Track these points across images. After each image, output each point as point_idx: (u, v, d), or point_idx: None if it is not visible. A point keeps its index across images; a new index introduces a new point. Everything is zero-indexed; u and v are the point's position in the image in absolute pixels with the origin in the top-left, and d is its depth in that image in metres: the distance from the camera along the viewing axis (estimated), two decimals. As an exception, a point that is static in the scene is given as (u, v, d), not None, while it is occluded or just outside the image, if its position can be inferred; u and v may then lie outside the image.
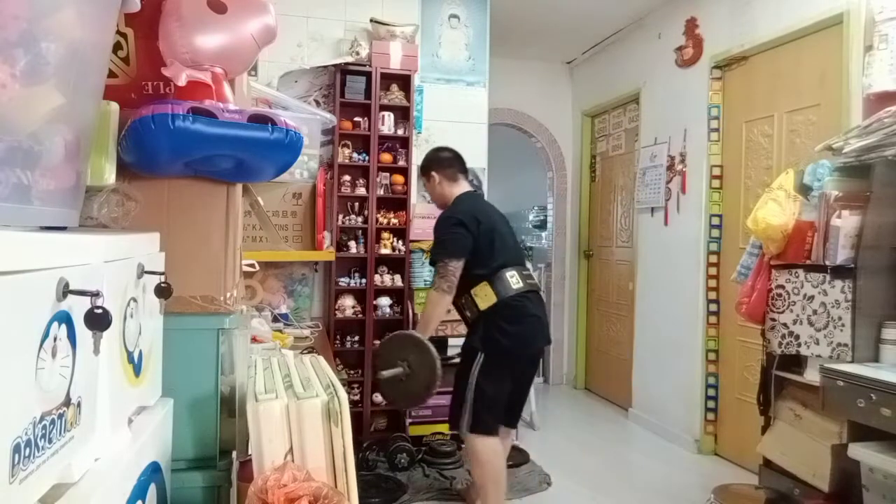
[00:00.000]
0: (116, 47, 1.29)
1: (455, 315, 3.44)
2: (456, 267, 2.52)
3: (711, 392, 3.68)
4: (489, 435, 2.51)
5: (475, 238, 2.55)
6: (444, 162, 2.79)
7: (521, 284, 2.56)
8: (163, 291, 1.13)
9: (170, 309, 1.22)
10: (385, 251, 3.58)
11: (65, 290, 0.72)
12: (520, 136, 5.57)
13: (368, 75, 3.53)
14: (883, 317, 2.06)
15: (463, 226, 2.55)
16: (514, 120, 5.37)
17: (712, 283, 3.68)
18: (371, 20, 3.59)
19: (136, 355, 1.03)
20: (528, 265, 2.83)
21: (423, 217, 3.66)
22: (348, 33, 3.64)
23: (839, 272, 2.09)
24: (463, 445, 3.46)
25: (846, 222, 2.08)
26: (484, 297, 2.53)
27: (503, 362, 2.52)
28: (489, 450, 2.50)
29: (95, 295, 0.75)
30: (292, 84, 3.57)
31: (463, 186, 2.78)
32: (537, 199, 6.62)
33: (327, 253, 3.41)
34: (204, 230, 1.35)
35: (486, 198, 3.95)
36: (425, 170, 2.84)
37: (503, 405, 2.57)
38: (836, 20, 2.84)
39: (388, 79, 3.58)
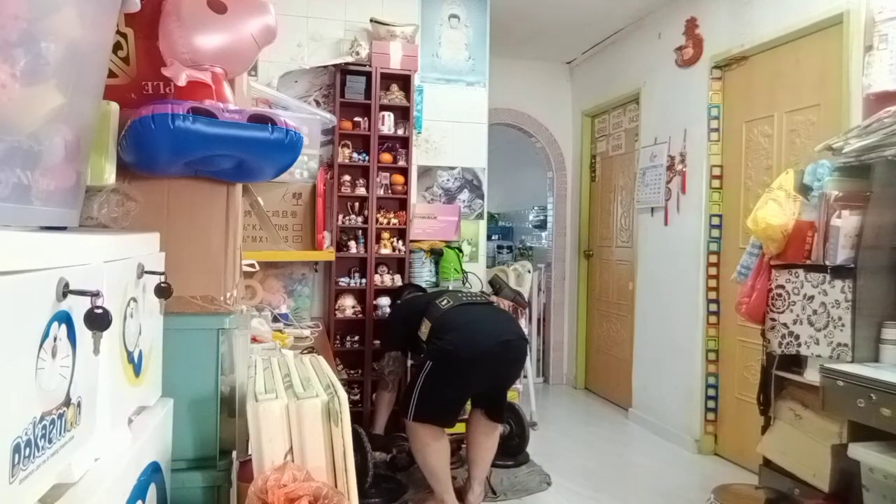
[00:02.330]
0: (116, 47, 1.29)
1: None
2: (397, 357, 3.17)
3: (711, 392, 3.68)
4: (427, 424, 2.70)
5: (408, 324, 2.96)
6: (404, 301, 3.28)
7: (450, 303, 2.85)
8: (163, 291, 1.13)
9: (170, 309, 1.22)
10: (385, 251, 3.58)
11: (65, 290, 0.72)
12: (520, 136, 5.57)
13: (368, 75, 3.53)
14: (883, 317, 2.05)
15: (399, 323, 3.10)
16: (514, 120, 5.37)
17: (712, 283, 3.68)
18: (371, 20, 3.59)
19: (136, 355, 1.03)
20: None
21: (423, 217, 3.66)
22: (348, 33, 3.64)
23: (839, 272, 2.09)
24: (463, 445, 3.47)
25: (846, 222, 2.08)
26: (425, 331, 2.83)
27: (449, 370, 2.69)
28: (422, 434, 2.70)
29: (95, 295, 0.75)
30: (292, 84, 3.57)
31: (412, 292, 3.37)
32: (537, 199, 6.62)
33: (327, 253, 3.41)
34: (204, 230, 1.35)
35: (485, 196, 3.97)
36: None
37: (449, 407, 2.75)
38: (836, 20, 2.84)
39: (388, 79, 3.58)
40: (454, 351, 2.68)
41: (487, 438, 2.88)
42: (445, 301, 2.86)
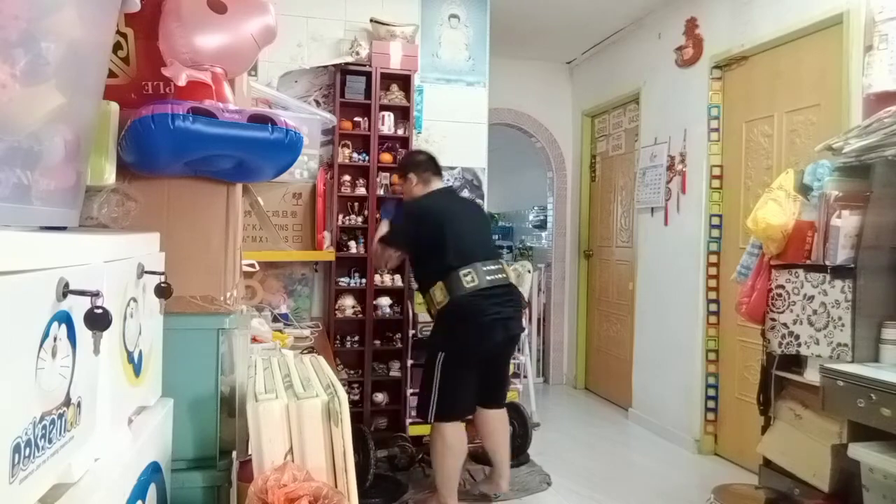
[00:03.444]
0: (116, 47, 1.29)
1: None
2: (392, 254, 2.87)
3: (711, 392, 3.68)
4: (452, 421, 2.68)
5: (423, 236, 2.74)
6: (421, 165, 2.96)
7: (476, 282, 2.63)
8: (163, 291, 1.13)
9: (170, 309, 1.22)
10: (385, 251, 3.58)
11: (65, 290, 0.72)
12: (520, 136, 5.57)
13: (368, 75, 3.52)
14: (883, 317, 2.05)
15: (416, 220, 2.82)
16: (514, 120, 5.36)
17: (712, 283, 3.68)
18: (371, 20, 3.59)
19: (136, 355, 1.03)
20: (501, 262, 2.91)
21: (423, 217, 3.65)
22: (348, 33, 3.64)
23: (839, 272, 2.09)
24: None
25: (846, 222, 2.08)
26: (439, 296, 2.68)
27: (463, 360, 2.67)
28: (450, 436, 2.66)
29: (95, 295, 0.75)
30: (292, 84, 3.57)
31: (437, 185, 2.96)
32: (537, 199, 6.62)
33: (327, 253, 3.41)
34: (204, 230, 1.35)
35: (485, 196, 3.97)
36: (402, 170, 3.03)
37: (469, 394, 2.73)
38: (836, 20, 2.84)
39: (388, 79, 3.58)
40: (469, 346, 2.67)
41: (501, 423, 2.92)
42: (470, 276, 2.63)
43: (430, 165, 2.96)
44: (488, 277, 2.68)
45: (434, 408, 2.65)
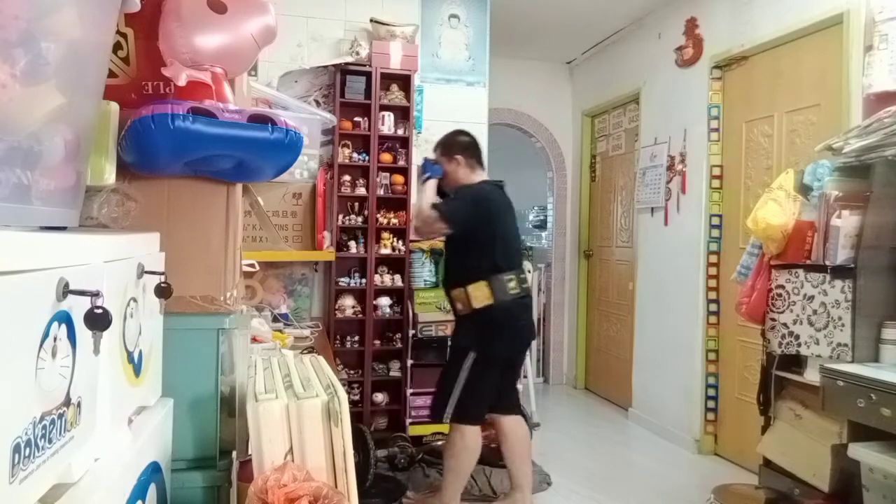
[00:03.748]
0: (116, 47, 1.29)
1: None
2: (441, 228, 2.62)
3: (711, 392, 3.68)
4: (472, 424, 2.62)
5: (478, 225, 2.58)
6: (469, 149, 2.79)
7: (518, 290, 2.61)
8: (163, 291, 1.13)
9: (170, 309, 1.22)
10: (385, 251, 3.58)
11: (65, 290, 0.72)
12: (520, 136, 5.57)
13: (368, 75, 3.53)
14: (883, 317, 2.05)
15: (475, 205, 2.62)
16: (514, 120, 5.36)
17: (712, 283, 3.68)
18: (371, 20, 3.59)
19: (136, 355, 1.03)
20: (527, 266, 2.92)
21: (423, 217, 3.65)
22: (348, 33, 3.64)
23: (839, 272, 2.09)
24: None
25: (846, 222, 2.08)
26: (479, 296, 2.56)
27: (493, 363, 2.62)
28: (470, 437, 2.60)
29: (95, 295, 0.75)
30: (292, 84, 3.57)
31: (481, 175, 2.81)
32: (537, 199, 6.62)
33: (327, 253, 3.41)
34: (204, 230, 1.35)
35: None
36: (450, 150, 2.78)
37: (491, 397, 2.68)
38: (836, 20, 2.84)
39: (388, 79, 3.58)
40: (502, 350, 2.64)
41: (524, 433, 2.79)
42: (513, 282, 2.60)
43: (476, 152, 2.82)
44: (524, 285, 2.69)
45: (453, 408, 2.57)
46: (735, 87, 3.60)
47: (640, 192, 4.36)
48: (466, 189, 2.70)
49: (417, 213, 2.60)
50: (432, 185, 2.73)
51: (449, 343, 2.90)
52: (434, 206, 2.61)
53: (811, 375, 2.16)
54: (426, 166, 2.79)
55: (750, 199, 3.32)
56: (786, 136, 3.24)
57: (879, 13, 2.55)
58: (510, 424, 2.75)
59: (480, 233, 2.58)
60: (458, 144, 2.79)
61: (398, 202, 3.65)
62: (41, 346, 0.68)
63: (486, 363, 2.58)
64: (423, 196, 2.70)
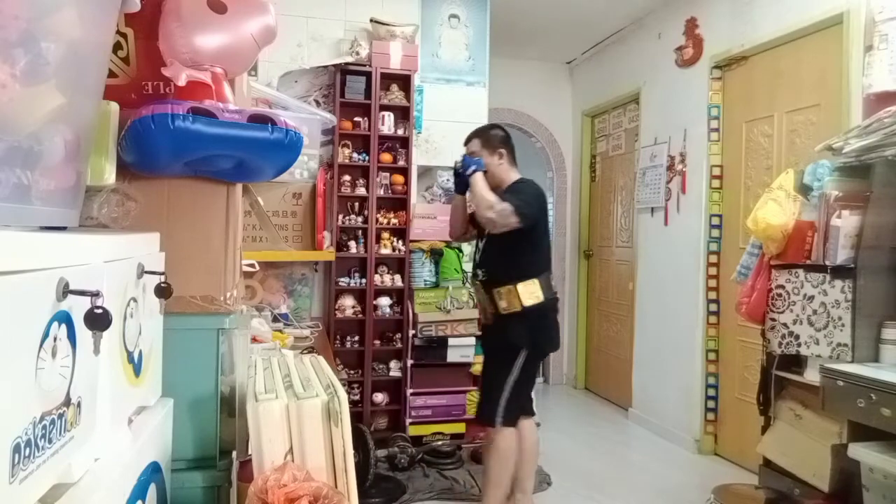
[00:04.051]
0: (116, 47, 1.29)
1: (456, 316, 3.47)
2: (514, 223, 2.45)
3: (711, 392, 3.68)
4: (514, 425, 2.58)
5: (536, 222, 2.54)
6: (509, 143, 2.72)
7: (555, 289, 2.67)
8: (163, 291, 1.13)
9: (170, 309, 1.22)
10: (385, 251, 3.58)
11: (65, 290, 0.72)
12: (520, 136, 5.56)
13: (368, 75, 3.53)
14: (883, 317, 2.05)
15: (537, 201, 2.58)
16: (514, 120, 5.36)
17: (712, 283, 3.68)
18: (371, 20, 3.59)
19: (136, 355, 1.03)
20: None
21: (423, 217, 3.66)
22: (348, 33, 3.64)
23: (839, 272, 2.09)
24: (464, 445, 3.47)
25: (846, 222, 2.08)
26: (530, 294, 2.50)
27: (537, 361, 2.63)
28: (512, 440, 2.56)
29: (95, 295, 0.75)
30: (292, 84, 3.57)
31: (517, 173, 2.72)
32: (537, 199, 6.61)
33: (327, 253, 3.41)
34: (204, 230, 1.35)
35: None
36: (493, 144, 2.66)
37: (529, 398, 2.70)
38: (836, 20, 2.84)
39: (388, 79, 3.58)
40: (548, 349, 2.68)
41: (535, 432, 2.76)
42: (553, 282, 2.64)
43: (513, 147, 2.73)
44: (554, 285, 2.70)
45: (504, 410, 2.49)
46: (735, 87, 3.60)
47: (640, 192, 4.36)
48: (525, 185, 2.62)
49: (490, 206, 2.44)
50: (482, 177, 2.57)
51: (486, 342, 2.78)
52: (506, 199, 2.48)
53: (811, 375, 2.16)
54: (468, 160, 2.62)
55: (750, 199, 3.32)
56: (786, 136, 3.24)
57: (879, 13, 2.55)
58: (529, 427, 2.71)
59: (536, 230, 2.55)
60: (498, 138, 2.69)
61: (398, 202, 3.65)
62: (41, 346, 0.68)
63: (534, 362, 2.58)
64: (480, 189, 2.51)
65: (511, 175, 2.67)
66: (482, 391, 2.67)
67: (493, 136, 2.68)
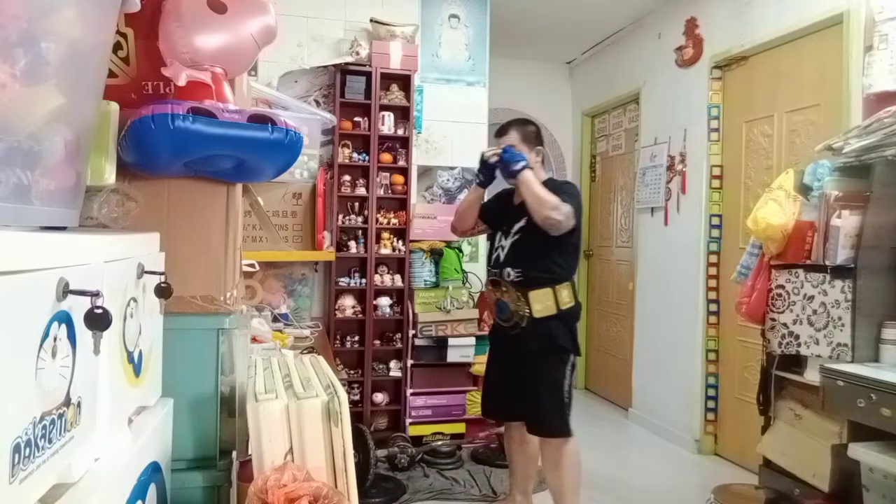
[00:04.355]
0: (116, 47, 1.29)
1: (456, 316, 3.47)
2: (570, 227, 2.37)
3: (711, 392, 3.68)
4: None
5: (578, 227, 2.47)
6: (542, 141, 2.62)
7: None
8: (163, 291, 1.13)
9: (170, 309, 1.22)
10: (385, 251, 3.58)
11: (65, 290, 0.72)
12: (520, 136, 5.57)
13: (368, 75, 3.53)
14: (883, 317, 2.05)
15: (580, 203, 2.47)
16: (514, 120, 5.36)
17: (712, 283, 3.68)
18: (371, 20, 3.59)
19: (136, 355, 1.03)
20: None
21: (423, 217, 3.66)
22: (348, 33, 3.64)
23: (839, 272, 2.09)
24: (464, 445, 3.48)
25: (846, 222, 2.08)
26: (566, 297, 2.44)
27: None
28: (577, 451, 2.47)
29: (95, 295, 0.75)
30: (292, 84, 3.57)
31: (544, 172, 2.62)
32: (537, 199, 6.61)
33: (327, 253, 3.41)
34: (204, 230, 1.35)
35: (485, 196, 3.97)
36: (533, 140, 2.54)
37: None
38: (836, 20, 2.84)
39: (388, 79, 3.58)
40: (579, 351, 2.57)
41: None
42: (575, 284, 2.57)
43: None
44: None
45: (569, 418, 2.41)
46: (735, 87, 3.60)
47: (640, 192, 4.36)
48: (570, 185, 2.54)
49: (556, 207, 2.29)
50: (533, 174, 2.40)
51: (514, 346, 2.49)
52: (563, 200, 2.35)
53: (811, 375, 2.16)
54: (514, 154, 2.42)
55: (750, 199, 3.32)
56: (786, 136, 3.24)
57: (879, 13, 2.55)
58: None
59: (577, 233, 2.48)
60: (535, 134, 2.56)
61: (398, 202, 3.65)
62: (41, 346, 0.68)
63: (575, 364, 2.51)
64: (539, 188, 2.35)
65: (541, 174, 2.54)
66: (533, 402, 2.45)
67: (530, 133, 2.55)
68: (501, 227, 2.56)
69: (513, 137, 2.51)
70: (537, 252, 2.44)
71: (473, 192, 2.67)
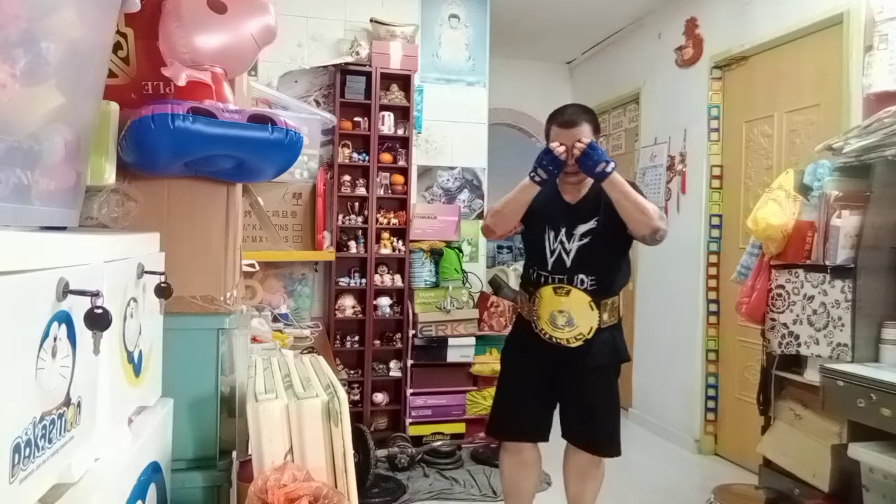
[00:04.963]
0: (116, 47, 1.29)
1: (456, 316, 3.47)
2: None
3: (711, 392, 3.68)
4: None
5: None
6: None
7: None
8: (163, 291, 1.13)
9: (170, 309, 1.22)
10: (385, 251, 3.58)
11: (65, 290, 0.72)
12: (520, 136, 5.57)
13: (368, 75, 3.53)
14: (883, 317, 2.06)
15: None
16: (514, 120, 5.36)
17: (712, 283, 3.68)
18: (371, 20, 3.59)
19: (136, 355, 1.03)
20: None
21: (423, 217, 3.66)
22: (348, 33, 3.64)
23: (839, 272, 2.09)
24: (464, 445, 3.47)
25: (846, 222, 2.08)
26: (620, 304, 2.26)
27: None
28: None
29: (95, 295, 0.75)
30: (292, 84, 3.57)
31: None
32: (537, 199, 6.61)
33: (327, 253, 3.41)
34: (204, 230, 1.35)
35: (485, 196, 3.99)
36: (598, 129, 2.22)
37: None
38: (836, 20, 2.84)
39: (388, 79, 3.58)
40: None
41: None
42: None
43: None
44: None
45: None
46: (735, 87, 3.60)
47: (640, 192, 4.35)
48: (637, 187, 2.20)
49: (662, 216, 2.09)
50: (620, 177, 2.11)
51: (579, 361, 2.18)
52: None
53: (811, 375, 2.16)
54: (602, 151, 2.08)
55: (750, 199, 3.32)
56: (786, 136, 3.23)
57: (879, 13, 2.55)
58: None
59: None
60: (599, 127, 2.25)
61: (398, 202, 3.65)
62: (41, 346, 0.68)
63: None
64: (635, 194, 2.06)
65: None
66: (602, 421, 2.23)
67: (598, 124, 2.21)
68: (553, 227, 2.21)
69: (586, 130, 2.12)
70: (611, 258, 2.21)
71: (525, 192, 2.17)
